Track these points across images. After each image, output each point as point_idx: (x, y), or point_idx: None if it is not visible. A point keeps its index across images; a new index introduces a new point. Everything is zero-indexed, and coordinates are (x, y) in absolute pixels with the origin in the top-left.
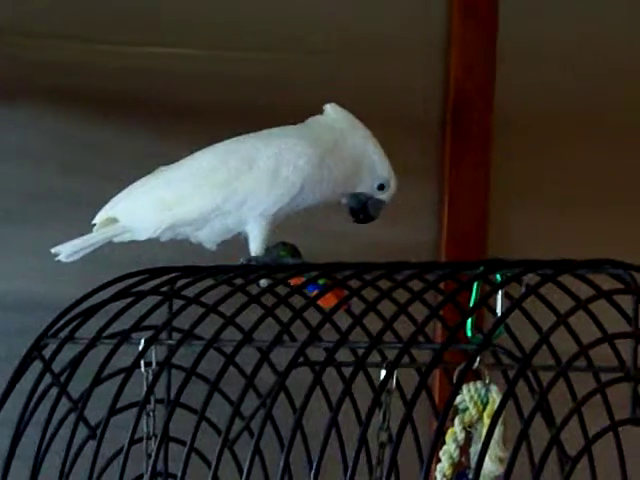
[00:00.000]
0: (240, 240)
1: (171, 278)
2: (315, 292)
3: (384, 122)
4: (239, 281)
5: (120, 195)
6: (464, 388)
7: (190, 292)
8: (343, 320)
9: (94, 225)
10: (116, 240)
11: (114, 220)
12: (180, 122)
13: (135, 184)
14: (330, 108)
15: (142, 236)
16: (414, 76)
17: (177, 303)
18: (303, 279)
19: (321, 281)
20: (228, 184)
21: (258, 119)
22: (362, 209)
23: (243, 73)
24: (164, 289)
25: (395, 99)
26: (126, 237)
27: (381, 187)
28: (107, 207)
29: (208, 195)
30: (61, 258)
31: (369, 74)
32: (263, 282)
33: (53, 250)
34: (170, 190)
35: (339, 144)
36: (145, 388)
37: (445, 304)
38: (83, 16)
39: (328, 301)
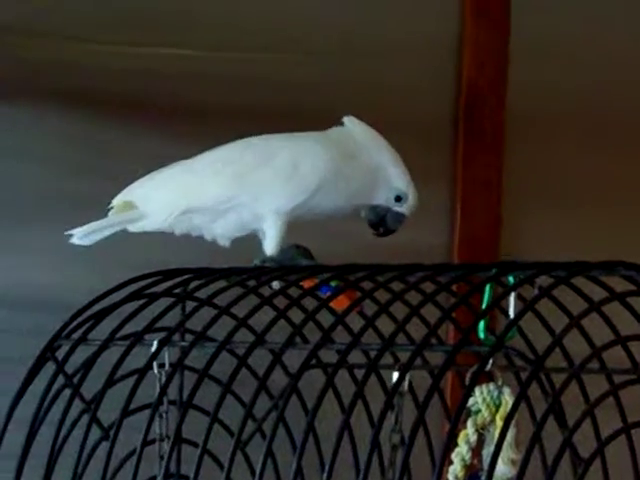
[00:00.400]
0: (253, 242)
1: (184, 280)
2: (328, 294)
3: (396, 122)
4: (252, 283)
5: (138, 181)
6: (477, 390)
7: (203, 294)
8: (355, 322)
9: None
10: (130, 229)
11: (131, 205)
12: (181, 123)
13: (154, 172)
14: (348, 121)
15: (156, 222)
16: (426, 74)
17: (190, 305)
18: (316, 281)
19: (333, 283)
20: (244, 176)
21: (261, 120)
22: (381, 222)
23: (245, 74)
24: (177, 291)
25: (407, 98)
26: (140, 226)
27: (398, 199)
28: (125, 191)
29: (224, 184)
30: (74, 240)
31: (380, 73)
32: (275, 284)
33: (67, 232)
34: (188, 178)
35: (356, 155)
36: (158, 389)
37: (458, 306)
38: (84, 16)
39: (340, 303)
